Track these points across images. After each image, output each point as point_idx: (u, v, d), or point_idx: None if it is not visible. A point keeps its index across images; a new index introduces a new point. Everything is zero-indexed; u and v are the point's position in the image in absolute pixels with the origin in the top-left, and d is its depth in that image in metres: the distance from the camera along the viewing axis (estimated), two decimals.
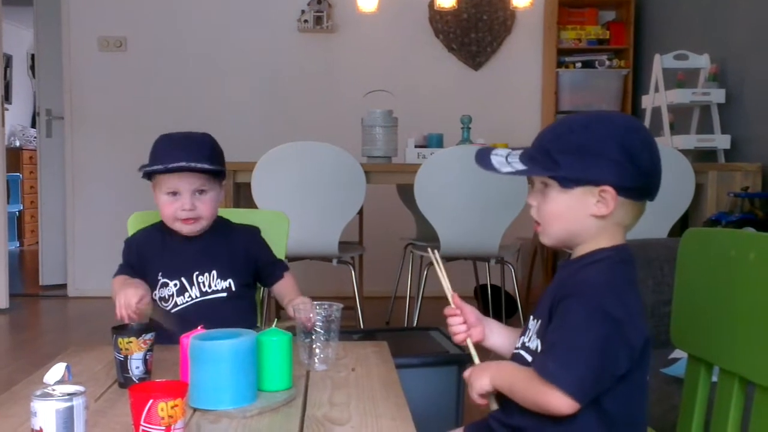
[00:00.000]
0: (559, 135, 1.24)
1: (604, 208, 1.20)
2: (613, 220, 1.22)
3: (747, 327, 1.20)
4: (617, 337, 1.14)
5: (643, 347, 1.18)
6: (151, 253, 1.81)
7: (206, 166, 1.75)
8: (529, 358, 1.25)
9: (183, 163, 1.73)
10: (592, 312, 1.14)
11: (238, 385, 1.23)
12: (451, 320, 1.38)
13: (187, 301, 1.76)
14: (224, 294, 1.78)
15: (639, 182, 1.21)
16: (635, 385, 1.21)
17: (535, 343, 1.24)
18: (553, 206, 1.23)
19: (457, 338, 1.38)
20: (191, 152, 1.75)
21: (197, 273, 1.78)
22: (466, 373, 1.30)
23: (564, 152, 1.20)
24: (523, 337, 1.30)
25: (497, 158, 1.27)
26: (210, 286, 1.78)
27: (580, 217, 1.22)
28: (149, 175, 1.80)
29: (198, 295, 1.77)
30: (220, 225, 1.86)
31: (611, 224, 1.22)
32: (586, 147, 1.20)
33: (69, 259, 5.53)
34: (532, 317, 1.30)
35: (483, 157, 1.28)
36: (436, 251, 1.50)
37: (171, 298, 1.75)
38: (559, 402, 1.13)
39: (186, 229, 1.79)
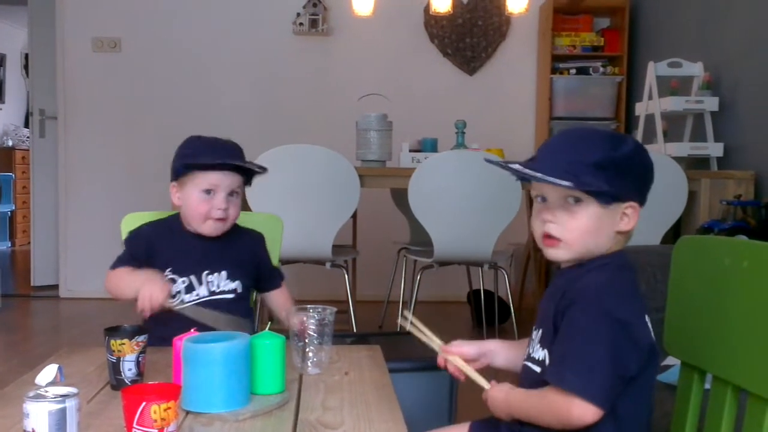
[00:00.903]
0: (589, 149, 1.19)
1: (627, 223, 1.22)
2: (630, 233, 1.25)
3: (740, 335, 1.20)
4: (625, 340, 1.15)
5: (649, 349, 1.19)
6: (161, 248, 1.81)
7: (255, 167, 1.80)
8: (536, 369, 1.24)
9: (236, 161, 1.77)
10: (598, 316, 1.15)
11: (230, 388, 1.22)
12: (452, 369, 1.35)
13: (194, 300, 1.76)
14: (231, 295, 1.79)
15: (647, 194, 1.25)
16: (644, 387, 1.21)
17: (540, 354, 1.24)
18: (587, 222, 1.20)
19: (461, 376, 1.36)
20: (233, 153, 1.79)
21: (207, 272, 1.78)
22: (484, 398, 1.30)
23: (600, 167, 1.18)
24: (528, 348, 1.30)
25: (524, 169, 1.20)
26: (219, 286, 1.78)
27: (607, 232, 1.22)
28: (178, 174, 1.81)
29: (206, 294, 1.77)
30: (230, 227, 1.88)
31: (622, 236, 1.24)
32: (618, 163, 1.20)
33: (61, 259, 5.51)
34: (534, 327, 1.29)
35: (513, 170, 1.21)
36: (408, 314, 1.39)
37: (179, 295, 1.75)
38: (583, 412, 1.13)
39: (213, 228, 1.79)
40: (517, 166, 1.21)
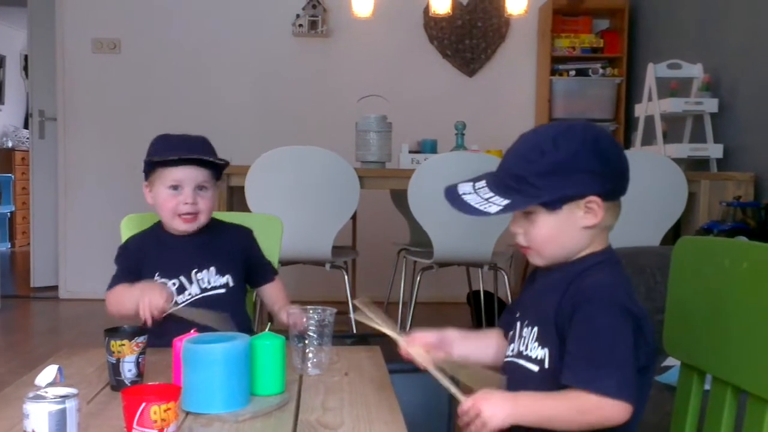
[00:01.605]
0: (530, 159, 1.21)
1: (593, 218, 1.22)
2: (601, 225, 1.24)
3: (740, 336, 1.20)
4: (639, 334, 1.16)
5: (654, 345, 1.21)
6: (148, 255, 1.81)
7: (216, 159, 1.79)
8: (533, 368, 1.24)
9: (195, 155, 1.77)
10: (618, 315, 1.16)
11: (230, 388, 1.22)
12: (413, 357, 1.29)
13: (187, 299, 1.76)
14: (223, 290, 1.79)
15: (617, 184, 1.24)
16: (644, 384, 1.22)
17: (539, 353, 1.23)
18: (544, 230, 1.23)
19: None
20: (196, 148, 1.79)
21: (196, 270, 1.78)
22: (465, 407, 1.17)
23: (541, 175, 1.20)
24: (514, 345, 1.30)
25: (471, 197, 1.23)
26: (209, 283, 1.79)
27: (571, 233, 1.23)
28: (147, 173, 1.82)
29: (198, 292, 1.78)
30: (214, 223, 1.88)
31: (599, 229, 1.25)
32: (561, 164, 1.20)
33: (61, 260, 5.51)
34: (525, 324, 1.29)
35: (456, 200, 1.24)
36: (361, 303, 1.37)
37: (171, 297, 1.75)
38: (616, 411, 1.13)
39: (184, 226, 1.80)
40: (465, 189, 1.25)
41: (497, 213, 1.20)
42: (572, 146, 1.20)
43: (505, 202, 1.21)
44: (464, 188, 1.26)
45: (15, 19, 7.79)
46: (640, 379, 1.19)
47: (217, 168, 1.83)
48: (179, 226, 1.80)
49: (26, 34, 6.11)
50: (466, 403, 1.17)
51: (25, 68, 8.08)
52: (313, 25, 5.33)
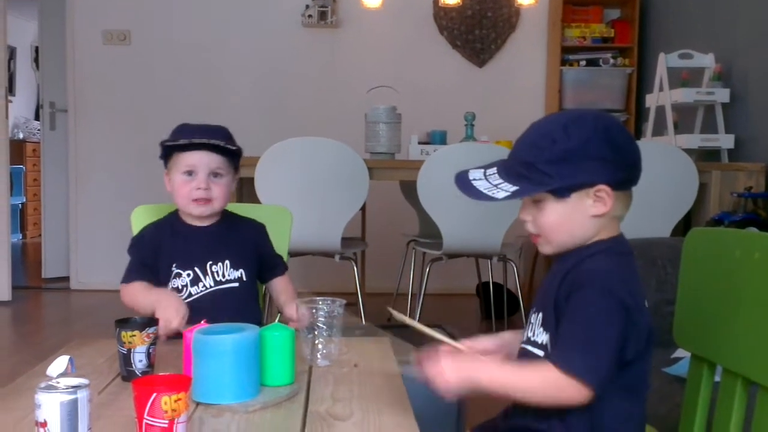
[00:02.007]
0: (541, 146, 1.21)
1: (602, 206, 1.21)
2: (611, 214, 1.23)
3: (750, 327, 1.20)
4: (629, 325, 1.16)
5: (647, 336, 1.20)
6: (163, 245, 1.81)
7: (228, 145, 1.80)
8: (538, 353, 1.24)
9: (205, 140, 1.77)
10: (607, 302, 1.15)
11: (240, 379, 1.23)
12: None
13: (201, 291, 1.77)
14: (236, 284, 1.80)
15: (628, 173, 1.23)
16: (639, 372, 1.22)
17: (543, 338, 1.24)
18: (552, 218, 1.23)
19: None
20: (212, 135, 1.80)
21: (210, 262, 1.79)
22: (436, 363, 1.18)
23: (552, 162, 1.19)
24: (526, 332, 1.30)
25: (480, 183, 1.24)
26: (224, 276, 1.79)
27: (580, 221, 1.23)
28: (166, 161, 1.83)
29: (212, 284, 1.78)
30: (228, 216, 1.89)
31: (609, 218, 1.24)
32: (572, 152, 1.19)
33: (72, 251, 5.54)
34: (533, 311, 1.29)
35: (466, 185, 1.25)
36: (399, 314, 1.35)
37: (185, 289, 1.76)
38: (578, 393, 1.13)
39: (198, 210, 1.80)
40: (475, 175, 1.25)
41: (504, 199, 1.20)
42: (583, 134, 1.19)
43: (514, 188, 1.21)
44: (475, 174, 1.26)
45: (26, 11, 7.80)
46: (628, 374, 1.19)
47: (233, 156, 1.83)
48: (193, 211, 1.80)
49: (37, 25, 6.12)
50: (439, 352, 1.21)
51: (36, 60, 8.10)
52: (322, 15, 5.32)
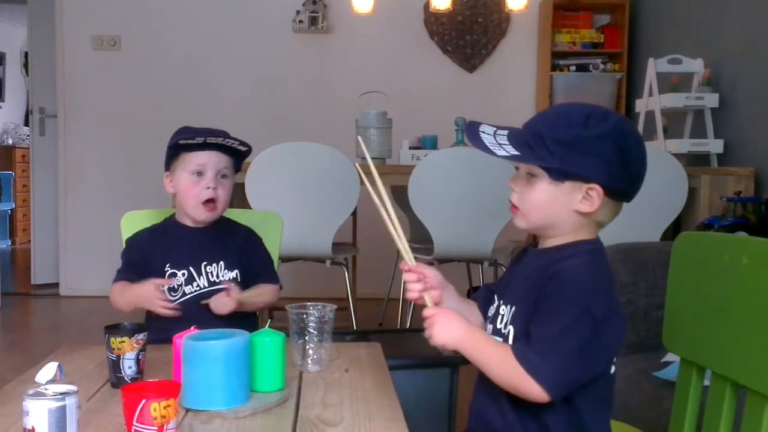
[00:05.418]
0: (557, 124, 1.21)
1: (589, 205, 1.21)
2: (594, 217, 1.23)
3: (739, 331, 1.20)
4: (597, 341, 1.16)
5: (618, 347, 1.22)
6: (157, 247, 1.82)
7: (241, 143, 1.83)
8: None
9: (221, 139, 1.79)
10: (580, 314, 1.15)
11: (230, 385, 1.22)
12: (406, 276, 1.29)
13: (195, 291, 1.77)
14: None
15: (626, 186, 1.23)
16: (608, 388, 1.24)
17: (509, 329, 1.24)
18: (539, 196, 1.23)
19: (410, 295, 1.29)
20: (218, 134, 1.81)
21: (205, 263, 1.79)
22: (428, 313, 1.24)
23: (560, 143, 1.19)
24: (492, 323, 1.30)
25: (487, 137, 1.24)
26: (218, 276, 1.80)
27: (563, 210, 1.23)
28: (168, 162, 1.83)
29: (206, 284, 1.78)
30: (224, 220, 1.90)
31: (590, 221, 1.24)
32: (582, 141, 1.19)
33: (61, 257, 5.51)
34: (502, 302, 1.29)
35: (473, 135, 1.25)
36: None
37: (179, 288, 1.76)
38: (534, 392, 1.15)
39: (206, 215, 1.81)
40: (486, 129, 1.25)
41: (502, 157, 1.20)
42: (601, 129, 1.19)
43: (515, 152, 1.20)
44: (485, 128, 1.26)
45: (15, 16, 7.78)
46: (596, 385, 1.20)
47: (237, 158, 1.85)
48: (201, 215, 1.81)
49: (26, 31, 6.10)
50: (430, 310, 1.25)
51: (26, 65, 8.07)
52: (313, 21, 5.32)
